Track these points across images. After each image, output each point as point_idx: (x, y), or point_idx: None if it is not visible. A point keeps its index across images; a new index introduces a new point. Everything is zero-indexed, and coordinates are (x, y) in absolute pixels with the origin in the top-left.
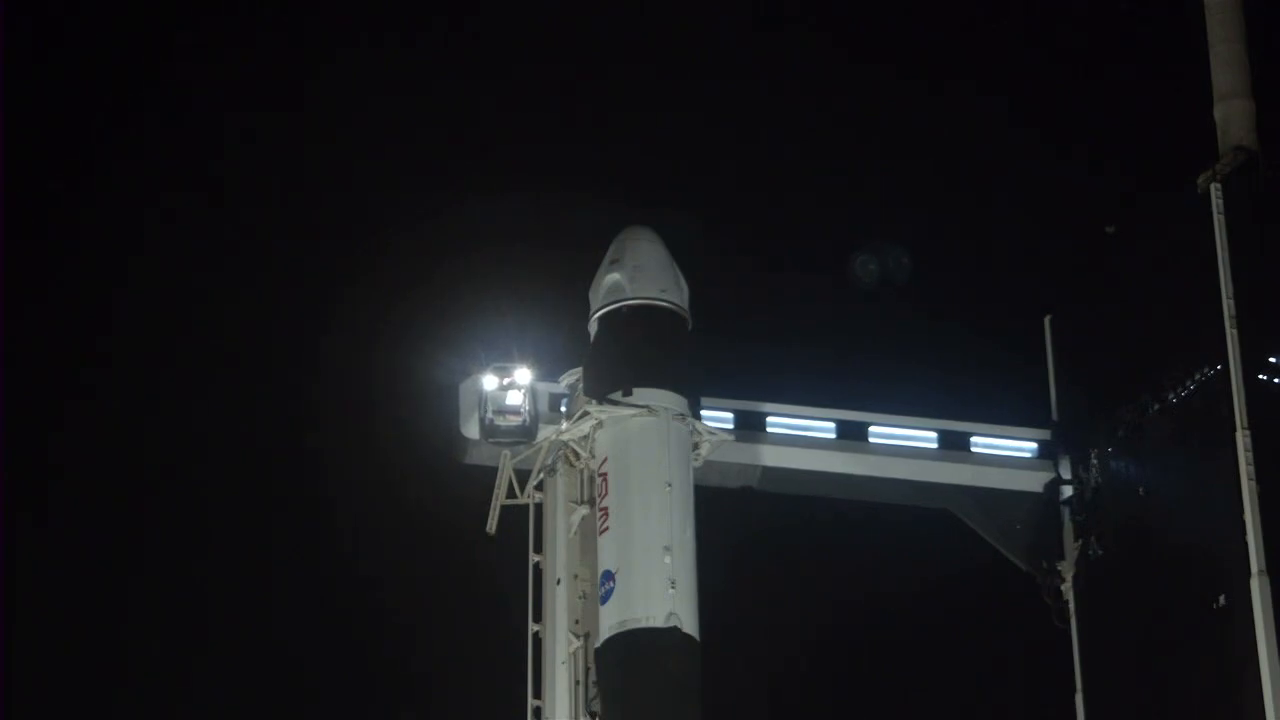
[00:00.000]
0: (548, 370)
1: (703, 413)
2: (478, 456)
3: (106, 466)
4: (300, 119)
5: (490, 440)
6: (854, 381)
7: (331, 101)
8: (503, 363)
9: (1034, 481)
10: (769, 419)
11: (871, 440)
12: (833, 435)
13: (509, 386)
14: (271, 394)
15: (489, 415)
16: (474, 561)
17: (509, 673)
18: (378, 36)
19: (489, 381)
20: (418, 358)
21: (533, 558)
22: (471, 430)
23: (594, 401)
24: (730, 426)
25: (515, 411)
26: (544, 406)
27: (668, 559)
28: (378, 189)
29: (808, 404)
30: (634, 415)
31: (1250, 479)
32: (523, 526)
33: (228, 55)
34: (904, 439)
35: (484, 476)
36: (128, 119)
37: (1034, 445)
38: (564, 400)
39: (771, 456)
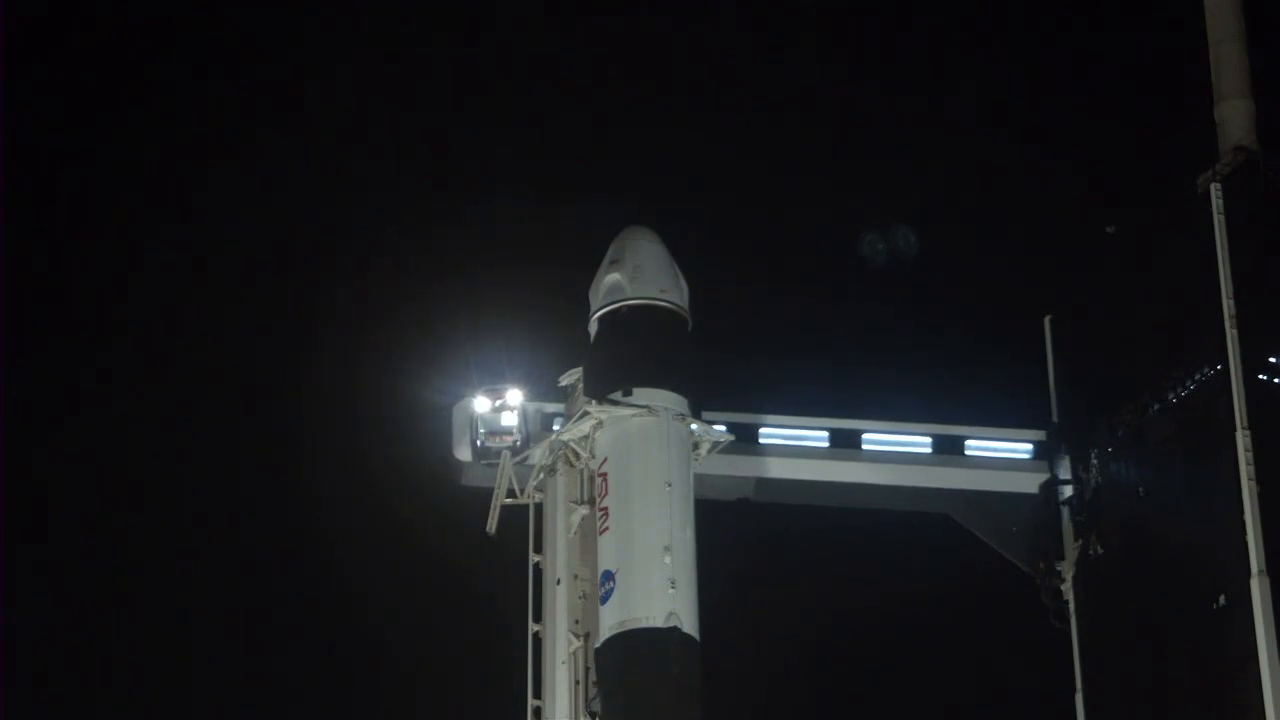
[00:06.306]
0: (540, 390)
1: (695, 427)
2: (472, 478)
3: (94, 489)
4: (287, 138)
5: (484, 462)
6: (848, 387)
7: (320, 118)
8: (494, 384)
9: (1030, 483)
10: (762, 430)
11: (865, 447)
12: (826, 444)
13: (501, 408)
14: (261, 416)
15: (482, 437)
16: (472, 564)
17: (509, 673)
18: (366, 54)
19: (481, 404)
20: (407, 380)
21: (533, 558)
22: (464, 453)
23: (594, 401)
24: None
25: (508, 432)
26: (536, 426)
27: (667, 559)
28: (369, 205)
29: (802, 411)
30: (634, 415)
31: (1250, 479)
32: (523, 527)
33: (212, 72)
34: (897, 445)
35: (478, 491)
36: (111, 139)
37: (1029, 446)
38: (556, 419)
39: (766, 468)
